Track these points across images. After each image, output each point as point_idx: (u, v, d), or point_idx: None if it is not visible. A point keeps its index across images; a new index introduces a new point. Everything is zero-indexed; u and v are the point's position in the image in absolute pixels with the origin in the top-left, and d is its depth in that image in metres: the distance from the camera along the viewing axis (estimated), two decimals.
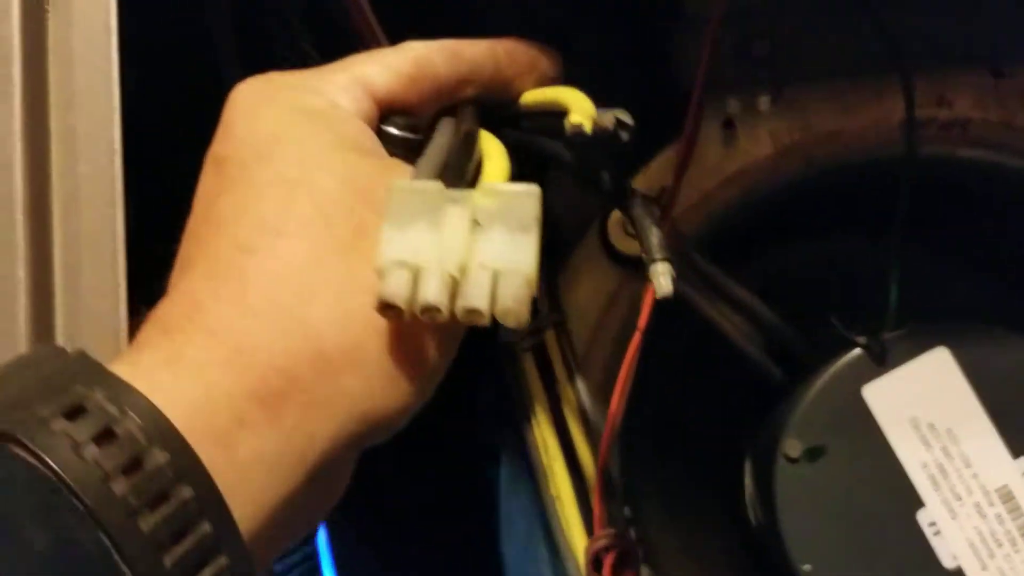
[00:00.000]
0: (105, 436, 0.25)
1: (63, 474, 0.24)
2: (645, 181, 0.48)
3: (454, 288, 0.28)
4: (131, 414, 0.25)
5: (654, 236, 0.32)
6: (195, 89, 0.43)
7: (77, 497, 0.24)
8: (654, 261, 0.31)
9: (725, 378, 0.51)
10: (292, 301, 0.29)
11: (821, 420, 0.46)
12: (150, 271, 0.34)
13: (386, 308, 0.28)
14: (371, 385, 0.29)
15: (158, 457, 0.25)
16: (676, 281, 0.48)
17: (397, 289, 0.28)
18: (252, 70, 0.35)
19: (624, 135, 0.32)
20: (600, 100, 0.38)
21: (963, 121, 0.48)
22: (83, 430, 0.25)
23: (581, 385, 0.48)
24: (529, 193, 0.29)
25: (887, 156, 0.48)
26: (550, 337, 0.49)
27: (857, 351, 0.46)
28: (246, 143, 0.32)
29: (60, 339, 0.32)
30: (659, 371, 0.50)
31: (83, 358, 0.27)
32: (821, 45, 0.48)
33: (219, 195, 0.31)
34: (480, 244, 0.28)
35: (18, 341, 0.32)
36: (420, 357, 0.30)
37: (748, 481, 0.50)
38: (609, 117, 0.32)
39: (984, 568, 0.44)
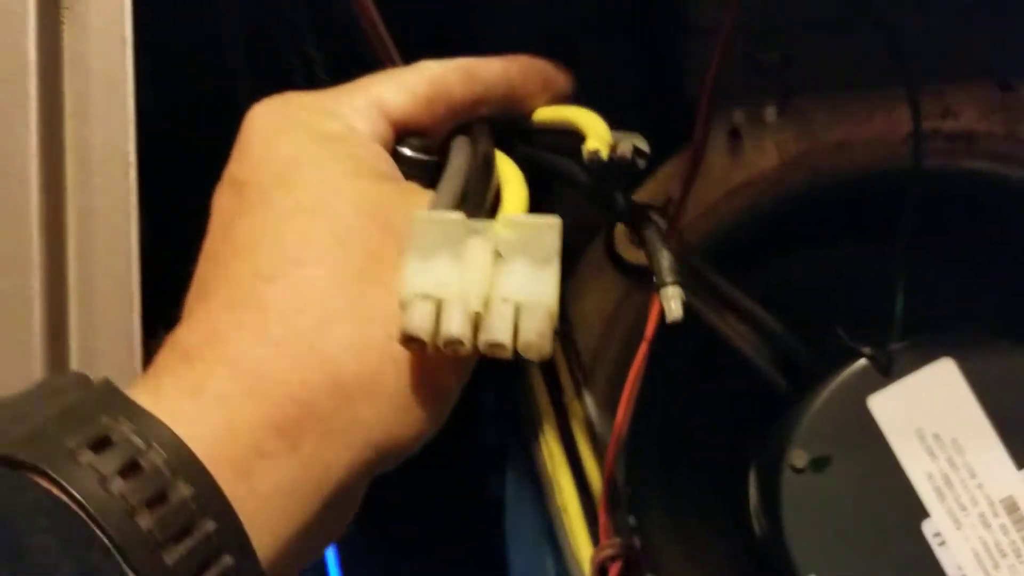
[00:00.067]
0: (130, 469, 0.25)
1: (89, 507, 0.24)
2: (651, 190, 0.49)
3: (477, 321, 0.28)
4: (156, 447, 0.25)
5: (665, 259, 0.32)
6: (207, 97, 0.43)
7: (103, 531, 0.24)
8: (665, 285, 0.31)
9: (730, 387, 0.51)
10: (311, 331, 0.29)
11: (826, 430, 0.46)
12: (164, 283, 0.34)
13: (409, 341, 0.28)
14: (387, 414, 0.29)
15: (183, 491, 0.25)
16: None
17: (421, 323, 0.28)
18: (261, 77, 0.35)
19: (641, 163, 0.32)
20: (606, 107, 0.38)
21: (968, 133, 0.48)
22: (109, 463, 0.25)
23: (587, 395, 0.49)
24: (550, 225, 0.29)
25: (893, 167, 0.48)
26: (556, 347, 0.49)
27: (862, 361, 0.46)
28: (265, 167, 0.32)
29: (74, 349, 0.33)
30: (664, 380, 0.50)
31: (107, 387, 0.27)
32: (828, 57, 0.48)
33: (237, 219, 0.31)
34: (502, 277, 0.28)
35: (33, 351, 0.32)
36: (436, 385, 0.30)
37: (753, 490, 0.50)
38: (627, 145, 0.32)
39: None
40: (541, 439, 0.48)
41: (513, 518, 0.51)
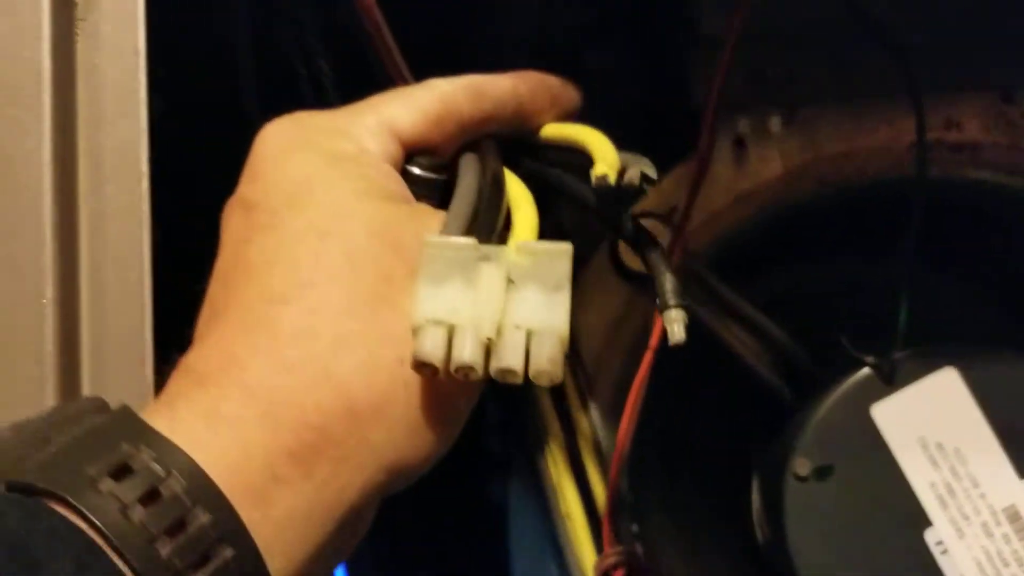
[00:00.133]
0: (150, 496, 0.25)
1: (111, 535, 0.24)
2: (656, 198, 0.49)
3: (489, 347, 0.28)
4: (175, 474, 0.26)
5: (669, 282, 0.32)
6: (216, 103, 0.44)
7: (123, 559, 0.24)
8: (668, 308, 0.32)
9: (734, 395, 0.51)
10: (323, 355, 0.29)
11: (830, 439, 0.46)
12: (171, 288, 0.34)
13: (421, 366, 0.28)
14: (398, 436, 0.30)
15: (202, 518, 0.25)
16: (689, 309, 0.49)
17: (433, 349, 0.28)
18: (269, 84, 0.35)
19: (648, 188, 0.33)
20: (611, 114, 0.38)
21: (972, 144, 0.49)
22: (130, 491, 0.25)
23: (591, 402, 0.49)
24: (562, 252, 0.29)
25: (896, 177, 0.49)
26: None
27: (866, 370, 0.46)
28: (276, 189, 0.32)
29: (85, 355, 0.33)
30: (668, 388, 0.50)
31: (126, 413, 0.27)
32: (833, 68, 0.49)
33: (249, 240, 0.31)
34: (514, 303, 0.29)
35: (45, 356, 0.32)
36: (446, 408, 0.30)
37: (756, 498, 0.50)
38: (635, 172, 0.32)
39: None
40: (545, 447, 0.49)
41: (517, 526, 0.51)
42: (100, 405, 0.28)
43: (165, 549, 0.25)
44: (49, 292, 0.32)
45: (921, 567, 0.45)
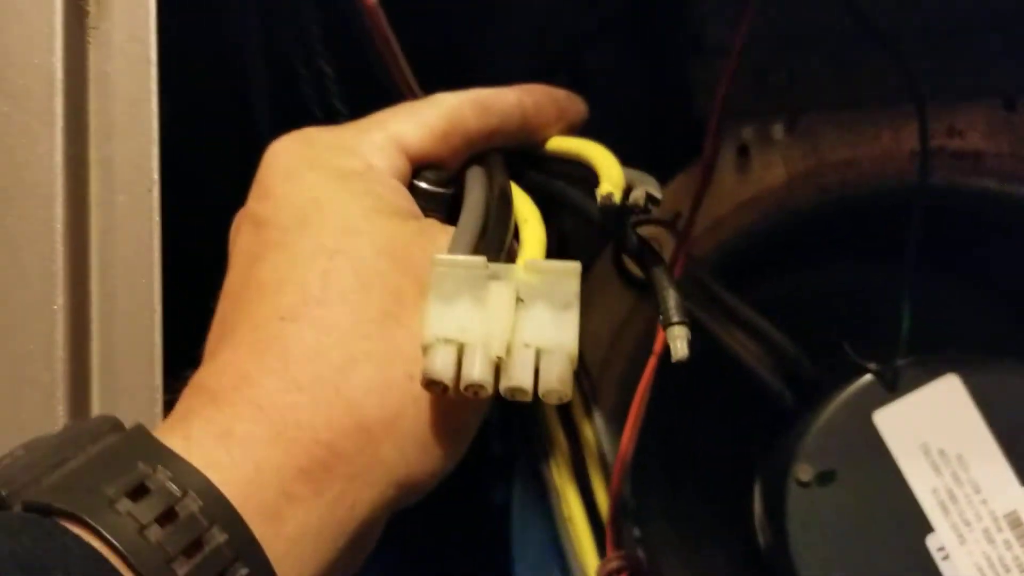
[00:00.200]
0: (167, 516, 0.25)
1: (128, 555, 0.24)
2: (660, 206, 0.49)
3: (498, 365, 0.28)
4: (192, 494, 0.26)
5: (671, 298, 0.32)
6: (225, 114, 0.44)
7: None
8: (671, 324, 0.32)
9: (736, 401, 0.52)
10: (334, 373, 0.29)
11: (832, 445, 0.46)
12: (179, 296, 0.34)
13: (431, 384, 0.28)
14: (408, 453, 0.30)
15: (218, 538, 0.26)
16: (690, 305, 0.49)
17: (443, 367, 0.28)
18: (276, 88, 0.35)
19: (652, 208, 0.33)
20: (614, 119, 0.39)
21: (974, 152, 0.49)
22: (147, 511, 0.25)
23: (594, 407, 0.49)
24: (570, 271, 0.29)
25: (899, 185, 0.49)
26: None
27: (868, 377, 0.47)
28: (286, 207, 0.32)
29: (95, 363, 0.33)
30: (671, 392, 0.50)
31: (141, 432, 0.28)
32: (836, 75, 0.49)
33: (259, 258, 0.32)
34: (523, 321, 0.29)
35: (55, 364, 0.32)
36: (455, 424, 0.31)
37: (758, 504, 0.50)
38: (640, 192, 0.32)
39: None
40: (548, 451, 0.49)
41: (519, 529, 0.51)
42: (114, 424, 0.28)
43: (182, 569, 0.25)
44: (60, 299, 0.32)
45: (923, 573, 0.45)
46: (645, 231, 0.47)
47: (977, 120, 0.49)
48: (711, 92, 0.45)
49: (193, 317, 0.32)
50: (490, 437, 0.54)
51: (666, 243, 0.48)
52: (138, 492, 0.25)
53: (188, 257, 0.35)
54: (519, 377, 0.28)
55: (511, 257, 0.33)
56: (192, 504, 0.26)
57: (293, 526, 0.28)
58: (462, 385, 0.28)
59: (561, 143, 0.38)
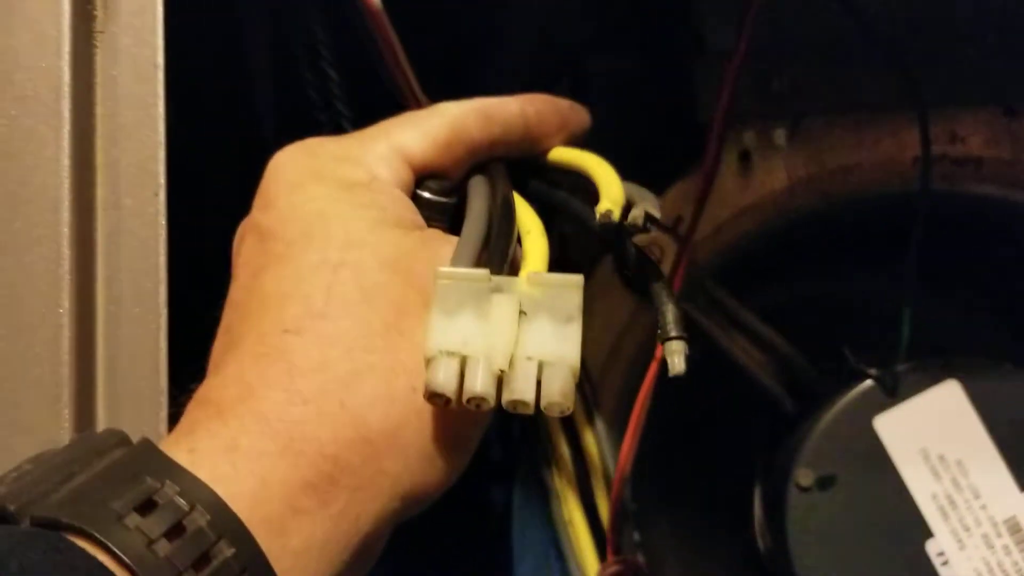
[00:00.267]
0: (175, 531, 0.25)
1: (138, 570, 0.24)
2: (662, 210, 0.49)
3: (501, 378, 0.28)
4: (200, 508, 0.26)
5: (670, 312, 0.32)
6: (229, 119, 0.44)
7: None
8: (669, 338, 0.32)
9: (736, 406, 0.52)
10: (338, 386, 0.29)
11: (833, 450, 0.46)
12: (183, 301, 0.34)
13: (433, 396, 0.28)
14: (412, 465, 0.30)
15: (225, 552, 0.26)
16: (691, 310, 0.49)
17: (445, 380, 0.28)
18: (281, 92, 0.35)
19: (651, 227, 0.33)
20: (615, 123, 0.39)
21: (975, 158, 0.49)
22: (155, 526, 0.25)
23: (596, 411, 0.49)
24: (573, 284, 0.29)
25: (900, 191, 0.49)
26: None
27: (869, 382, 0.47)
28: (290, 219, 0.32)
29: (100, 366, 0.33)
30: (671, 397, 0.51)
31: (148, 447, 0.28)
32: (838, 81, 0.49)
33: (263, 270, 0.32)
34: (526, 334, 0.29)
35: (61, 368, 0.32)
36: (458, 436, 0.31)
37: (758, 508, 0.50)
38: (639, 212, 0.32)
39: None
40: (549, 454, 0.49)
41: (520, 532, 0.51)
42: (121, 438, 0.28)
43: None
44: (65, 302, 0.32)
45: None
46: (647, 236, 0.48)
47: (978, 127, 0.49)
48: (713, 97, 0.45)
49: (198, 321, 0.32)
50: (490, 441, 0.54)
51: (667, 248, 0.48)
52: (146, 507, 0.26)
53: (193, 260, 0.35)
54: (521, 390, 0.28)
55: (514, 266, 0.33)
56: (200, 518, 0.26)
57: (299, 539, 0.28)
58: (464, 398, 0.28)
59: (563, 154, 0.39)
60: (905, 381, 0.46)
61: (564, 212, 0.38)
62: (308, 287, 0.31)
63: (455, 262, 0.31)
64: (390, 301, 0.31)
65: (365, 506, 0.29)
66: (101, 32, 0.33)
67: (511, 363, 0.28)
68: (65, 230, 0.32)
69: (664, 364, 0.41)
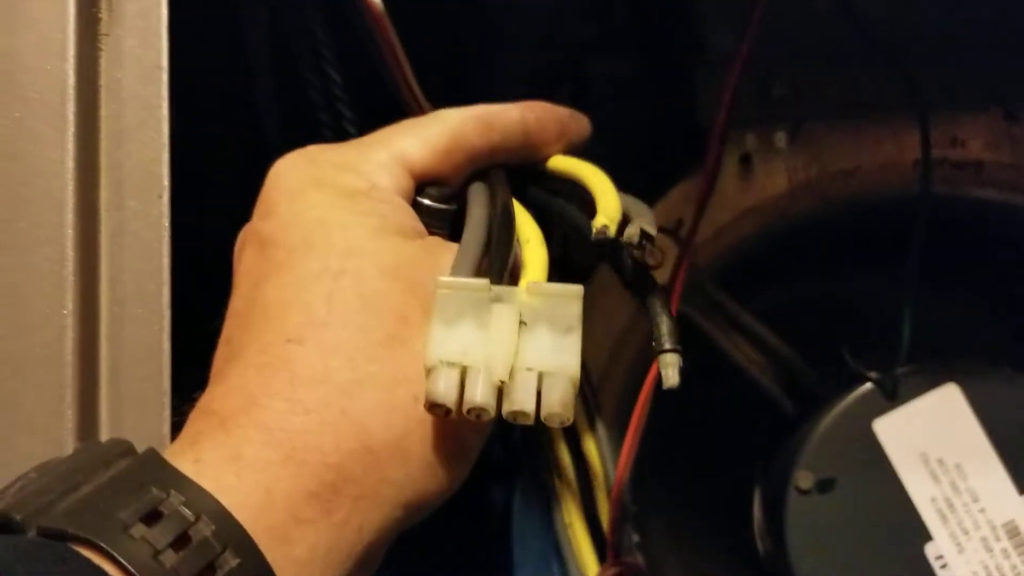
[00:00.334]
0: (181, 541, 0.25)
1: None
2: (663, 212, 0.49)
3: (501, 389, 0.28)
4: (205, 518, 0.26)
5: (665, 324, 0.32)
6: (232, 122, 0.44)
7: None
8: (664, 351, 0.32)
9: (736, 408, 0.52)
10: (340, 396, 0.29)
11: (832, 453, 0.47)
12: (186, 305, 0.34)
13: (434, 407, 0.28)
14: (414, 474, 0.30)
15: (230, 562, 0.26)
16: (692, 312, 0.49)
17: (446, 390, 0.28)
18: (284, 96, 0.35)
19: (646, 244, 0.33)
20: (617, 126, 0.39)
21: (975, 161, 0.49)
22: (161, 536, 0.25)
23: (596, 414, 0.49)
24: (573, 294, 0.29)
25: (900, 194, 0.49)
26: None
27: (868, 385, 0.47)
28: (292, 227, 0.32)
29: (104, 367, 0.33)
30: (671, 399, 0.51)
31: (152, 456, 0.28)
32: (838, 85, 0.49)
33: (265, 279, 0.32)
34: (526, 345, 0.29)
35: (65, 369, 0.32)
36: (459, 445, 0.31)
37: (757, 511, 0.51)
38: (635, 229, 0.32)
39: None
40: (549, 456, 0.49)
41: (520, 534, 0.51)
42: (127, 448, 0.29)
43: None
44: (69, 304, 0.32)
45: None
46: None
47: (979, 130, 0.49)
48: (714, 99, 0.45)
49: (200, 322, 0.32)
50: (491, 443, 0.54)
51: (668, 250, 0.48)
52: (152, 517, 0.26)
53: (194, 260, 0.35)
54: (521, 401, 0.28)
55: (514, 274, 0.33)
56: (205, 528, 0.26)
57: (302, 549, 0.28)
58: (464, 408, 0.28)
59: (562, 163, 0.39)
60: (904, 384, 0.47)
61: (562, 220, 0.38)
62: (309, 295, 0.31)
63: (455, 271, 0.31)
64: (391, 309, 0.31)
65: (368, 515, 0.29)
66: (105, 35, 0.33)
67: (511, 374, 0.28)
68: (69, 231, 0.32)
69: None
